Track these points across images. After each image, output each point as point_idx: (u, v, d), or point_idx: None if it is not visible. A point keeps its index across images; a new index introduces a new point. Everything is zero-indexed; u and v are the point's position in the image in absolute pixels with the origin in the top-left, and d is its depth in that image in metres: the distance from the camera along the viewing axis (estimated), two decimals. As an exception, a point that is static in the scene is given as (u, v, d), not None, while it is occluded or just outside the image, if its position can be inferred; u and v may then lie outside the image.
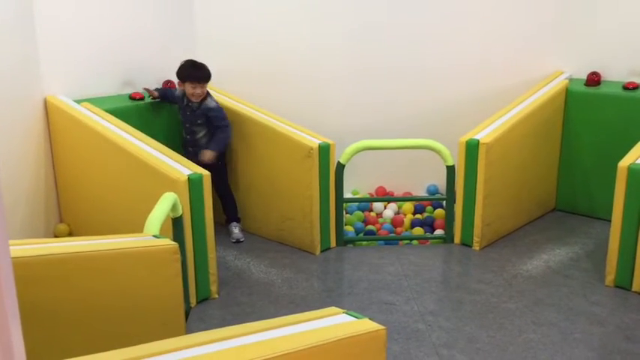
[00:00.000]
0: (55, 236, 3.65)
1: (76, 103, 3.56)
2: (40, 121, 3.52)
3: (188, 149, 3.73)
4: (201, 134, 3.72)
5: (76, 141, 3.48)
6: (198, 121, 3.71)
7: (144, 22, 4.00)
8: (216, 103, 3.73)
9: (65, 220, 3.74)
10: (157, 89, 3.92)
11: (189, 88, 3.63)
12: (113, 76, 3.89)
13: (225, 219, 3.92)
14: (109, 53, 3.82)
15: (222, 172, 3.82)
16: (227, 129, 3.71)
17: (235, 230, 3.86)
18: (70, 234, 3.68)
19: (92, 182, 3.48)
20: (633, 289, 3.10)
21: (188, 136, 3.75)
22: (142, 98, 3.87)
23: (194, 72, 3.64)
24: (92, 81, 3.77)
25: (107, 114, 3.50)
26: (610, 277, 3.18)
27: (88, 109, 3.52)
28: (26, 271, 1.94)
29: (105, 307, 2.08)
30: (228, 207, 3.89)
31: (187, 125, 3.74)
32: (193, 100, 3.65)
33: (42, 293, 1.97)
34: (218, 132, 3.69)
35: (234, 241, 3.82)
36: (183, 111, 3.74)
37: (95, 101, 3.66)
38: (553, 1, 4.20)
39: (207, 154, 3.62)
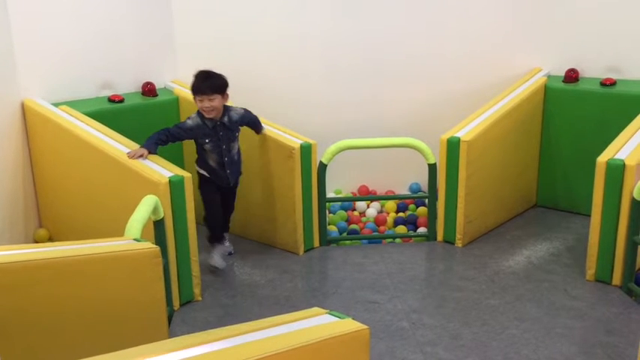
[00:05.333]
0: (35, 241, 3.61)
1: (54, 107, 3.52)
2: (18, 125, 3.48)
3: (225, 172, 3.36)
4: (236, 149, 3.41)
5: (55, 145, 3.44)
6: (236, 134, 3.38)
7: (122, 24, 3.96)
8: (239, 109, 3.43)
9: (45, 224, 3.70)
10: (144, 145, 3.16)
11: (197, 102, 3.22)
12: (91, 78, 3.84)
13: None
14: (86, 56, 3.78)
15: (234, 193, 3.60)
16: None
17: (226, 243, 3.63)
18: (50, 239, 3.64)
19: (72, 186, 3.44)
20: (613, 283, 3.14)
21: (226, 158, 3.34)
22: (122, 100, 3.83)
23: (198, 83, 3.19)
24: (70, 83, 3.73)
25: (86, 117, 3.47)
26: (590, 272, 3.21)
27: (67, 112, 3.48)
28: (6, 278, 1.91)
29: (86, 313, 2.06)
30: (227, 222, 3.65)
31: (224, 147, 3.32)
32: (206, 115, 3.22)
33: (22, 300, 1.95)
34: (257, 122, 3.55)
35: (227, 254, 3.61)
36: (214, 134, 3.28)
37: (73, 104, 3.62)
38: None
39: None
